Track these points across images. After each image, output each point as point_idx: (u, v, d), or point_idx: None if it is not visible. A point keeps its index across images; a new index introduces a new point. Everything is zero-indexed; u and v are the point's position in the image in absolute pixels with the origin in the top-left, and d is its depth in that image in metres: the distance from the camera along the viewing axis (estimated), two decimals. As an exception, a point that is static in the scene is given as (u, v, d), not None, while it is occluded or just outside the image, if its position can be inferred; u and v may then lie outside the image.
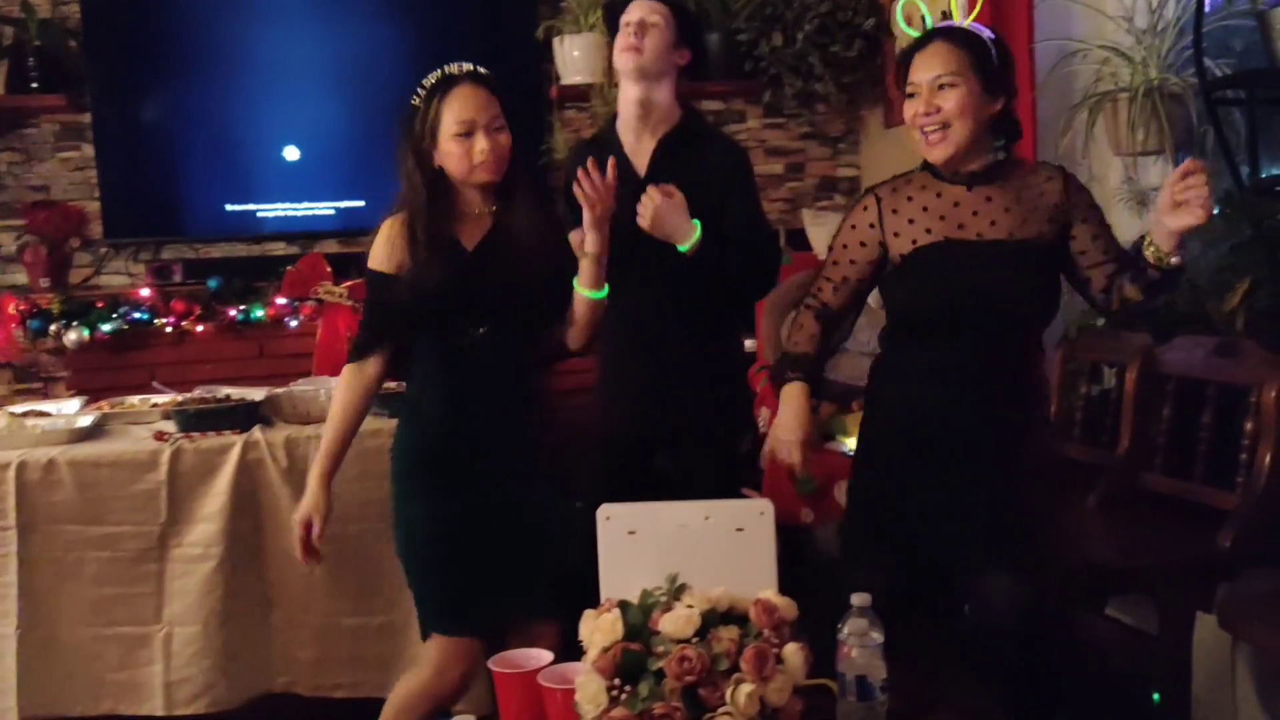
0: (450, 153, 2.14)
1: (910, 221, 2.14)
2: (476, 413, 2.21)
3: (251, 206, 4.20)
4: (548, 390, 2.33)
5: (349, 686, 2.84)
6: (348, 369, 2.24)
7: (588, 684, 1.54)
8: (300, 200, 4.24)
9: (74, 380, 3.95)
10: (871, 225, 2.19)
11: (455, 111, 2.12)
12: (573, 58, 4.28)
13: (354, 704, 2.77)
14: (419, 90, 2.18)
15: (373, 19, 4.26)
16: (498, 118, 2.15)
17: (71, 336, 3.85)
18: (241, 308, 4.05)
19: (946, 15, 2.27)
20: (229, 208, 4.20)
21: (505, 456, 2.23)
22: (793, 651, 1.54)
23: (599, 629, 1.57)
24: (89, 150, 4.13)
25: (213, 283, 4.10)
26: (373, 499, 2.83)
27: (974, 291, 2.08)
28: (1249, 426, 2.57)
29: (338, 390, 2.26)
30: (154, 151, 4.11)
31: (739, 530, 1.68)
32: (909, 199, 2.16)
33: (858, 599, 1.60)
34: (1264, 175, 2.79)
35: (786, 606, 1.58)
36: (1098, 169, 3.48)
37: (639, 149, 2.58)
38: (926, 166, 2.19)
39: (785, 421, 2.19)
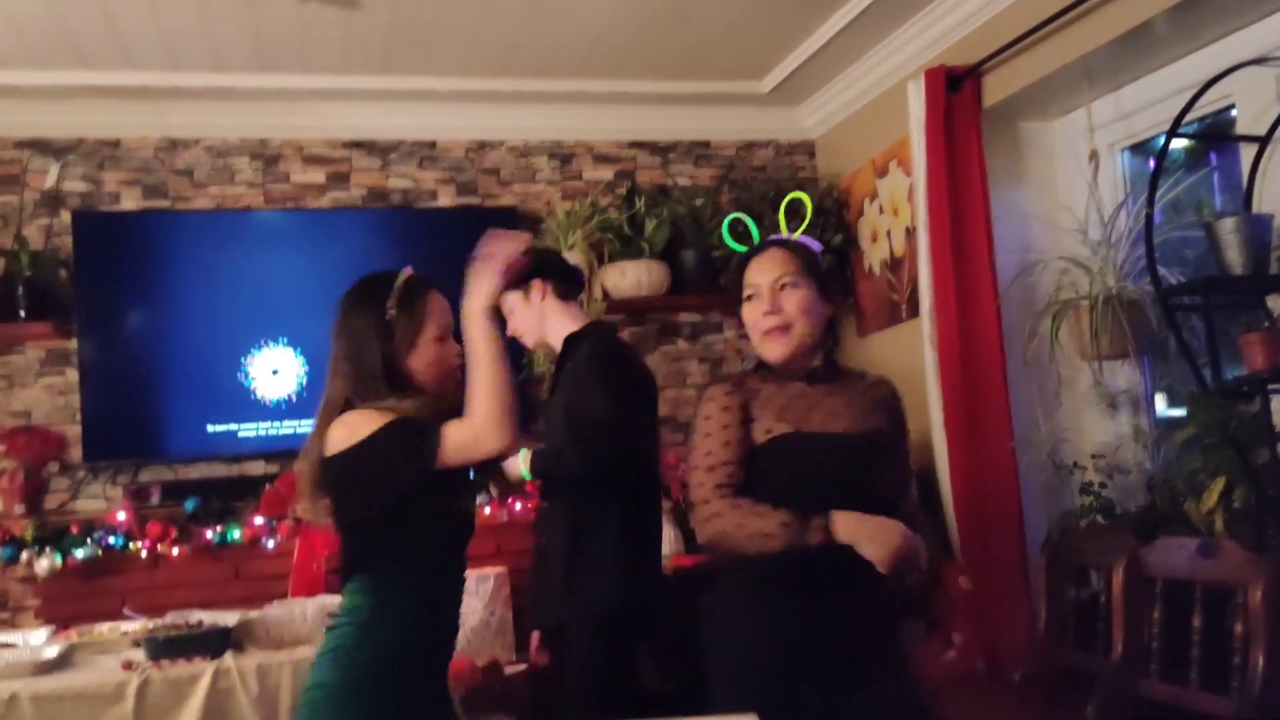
0: (428, 356, 2.12)
1: (763, 408, 2.15)
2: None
3: (233, 426, 4.22)
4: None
5: None
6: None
7: None
8: (281, 420, 4.27)
9: (43, 609, 3.85)
10: (742, 406, 2.15)
11: (438, 316, 2.15)
12: (552, 276, 4.42)
13: None
14: (386, 297, 2.12)
15: (357, 240, 4.40)
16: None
17: (43, 564, 3.79)
18: (218, 529, 4.01)
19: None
20: (210, 428, 4.21)
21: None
22: None
23: None
24: (73, 375, 4.16)
25: (190, 504, 4.07)
26: None
27: (823, 484, 2.07)
28: (1239, 629, 2.54)
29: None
30: (138, 374, 4.15)
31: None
32: (756, 391, 2.18)
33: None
34: (1227, 377, 2.86)
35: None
36: (1066, 374, 3.56)
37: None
38: (760, 367, 2.23)
39: (868, 528, 1.99)
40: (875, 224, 4.47)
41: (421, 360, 2.12)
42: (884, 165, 4.36)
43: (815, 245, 2.24)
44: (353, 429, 2.02)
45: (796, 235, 2.26)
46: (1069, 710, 2.77)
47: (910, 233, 4.13)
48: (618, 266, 4.51)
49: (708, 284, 4.61)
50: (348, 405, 2.07)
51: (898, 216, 4.27)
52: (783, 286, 2.14)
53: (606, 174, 4.80)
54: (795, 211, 2.40)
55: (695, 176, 4.89)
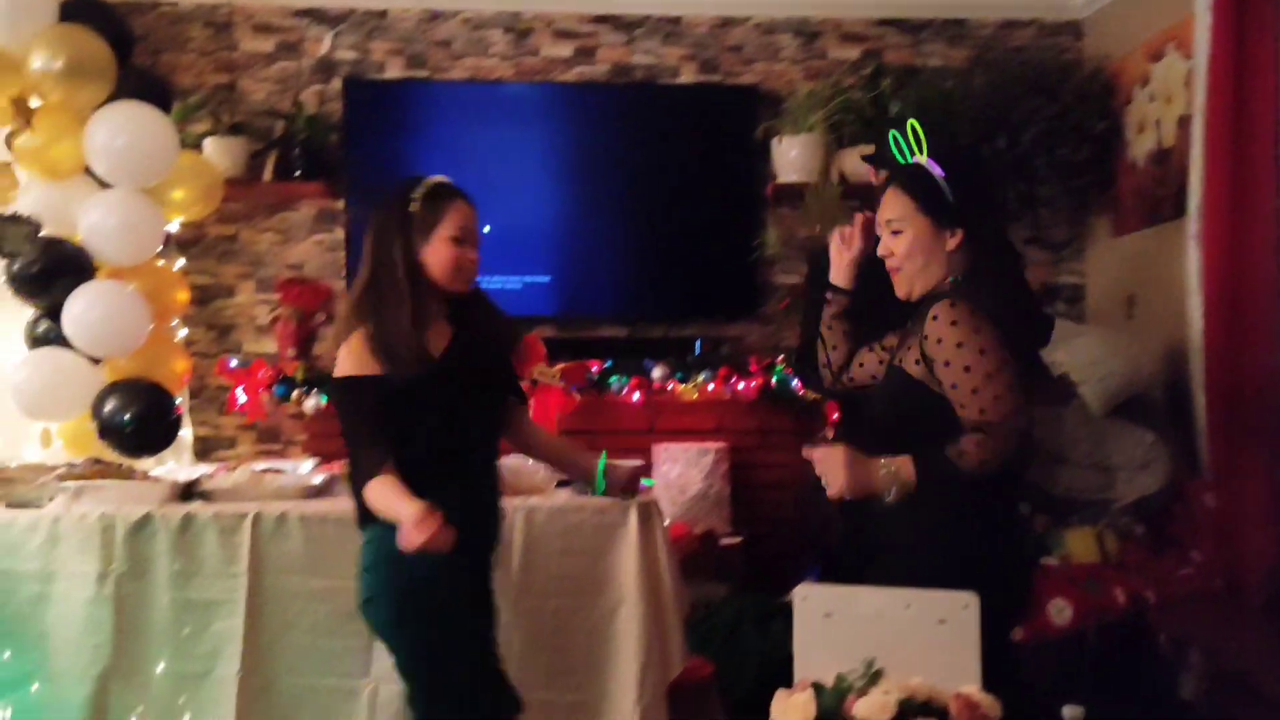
0: (441, 254, 2.25)
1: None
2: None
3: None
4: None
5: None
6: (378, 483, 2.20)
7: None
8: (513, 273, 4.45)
9: (310, 444, 4.23)
10: None
11: (456, 219, 2.27)
12: (790, 157, 4.37)
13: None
14: (411, 193, 2.27)
15: (598, 117, 4.49)
16: (480, 238, 2.34)
17: (311, 403, 4.15)
18: (462, 384, 4.25)
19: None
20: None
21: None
22: (994, 752, 1.48)
23: (791, 709, 1.54)
24: (340, 233, 4.49)
25: (439, 358, 4.34)
26: (570, 574, 2.88)
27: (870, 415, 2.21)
28: None
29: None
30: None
31: (941, 622, 1.63)
32: None
33: (1069, 711, 1.52)
34: None
35: (990, 704, 1.51)
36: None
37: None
38: None
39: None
40: (1144, 112, 4.14)
41: (434, 256, 2.26)
42: (1159, 48, 4.02)
43: (937, 171, 2.12)
44: (343, 358, 2.26)
45: (922, 157, 2.15)
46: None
47: (1184, 122, 3.81)
48: (858, 150, 4.39)
49: (952, 171, 4.42)
50: (360, 308, 2.27)
51: (1170, 104, 3.95)
52: (893, 231, 2.14)
53: (853, 53, 4.65)
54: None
55: (948, 57, 4.66)
